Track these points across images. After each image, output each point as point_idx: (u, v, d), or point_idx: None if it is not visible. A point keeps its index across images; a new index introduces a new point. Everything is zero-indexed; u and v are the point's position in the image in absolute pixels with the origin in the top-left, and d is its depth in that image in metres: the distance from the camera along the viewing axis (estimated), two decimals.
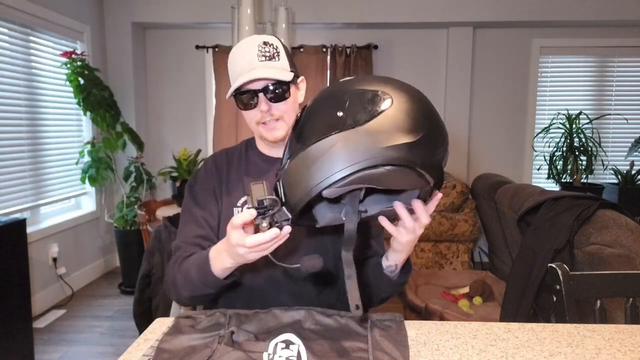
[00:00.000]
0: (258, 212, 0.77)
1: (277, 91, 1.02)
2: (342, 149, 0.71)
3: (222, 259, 0.89)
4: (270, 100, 1.02)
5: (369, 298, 1.09)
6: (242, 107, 1.05)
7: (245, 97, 1.03)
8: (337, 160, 0.71)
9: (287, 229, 0.78)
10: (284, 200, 0.77)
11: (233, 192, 1.11)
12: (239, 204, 1.10)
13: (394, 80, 0.80)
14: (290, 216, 0.77)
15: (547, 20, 3.77)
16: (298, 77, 1.09)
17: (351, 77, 0.82)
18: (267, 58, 1.01)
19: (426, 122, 0.76)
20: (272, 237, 0.77)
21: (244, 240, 0.78)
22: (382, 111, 0.73)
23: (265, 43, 1.02)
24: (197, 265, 0.96)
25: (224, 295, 1.11)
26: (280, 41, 1.07)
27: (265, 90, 1.01)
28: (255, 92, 1.02)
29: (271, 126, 1.05)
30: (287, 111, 1.05)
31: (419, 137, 0.73)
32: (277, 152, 1.14)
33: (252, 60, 1.01)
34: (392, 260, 0.96)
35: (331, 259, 1.09)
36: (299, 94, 1.11)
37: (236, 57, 1.03)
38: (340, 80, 0.82)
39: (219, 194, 1.12)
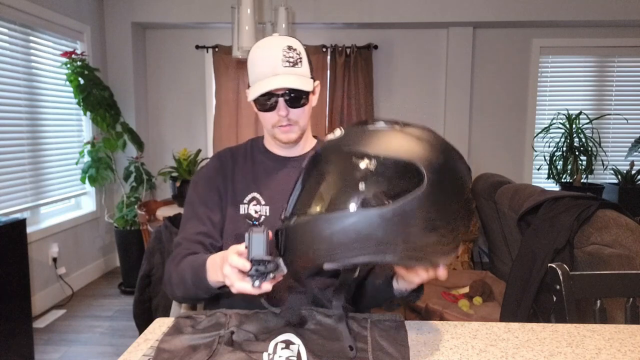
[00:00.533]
0: (252, 265, 0.75)
1: (296, 98, 1.04)
2: (358, 230, 0.65)
3: (216, 273, 0.90)
4: (289, 105, 1.04)
5: (373, 300, 1.09)
6: (259, 109, 1.06)
7: (264, 100, 1.04)
8: (350, 241, 0.66)
9: (280, 277, 0.78)
10: (282, 252, 0.74)
11: (239, 190, 1.12)
12: (245, 201, 1.11)
13: (428, 142, 0.71)
14: (285, 272, 0.76)
15: (547, 20, 3.77)
16: (315, 81, 1.11)
17: (382, 126, 0.73)
18: (291, 64, 1.02)
19: (457, 211, 0.69)
20: (261, 292, 0.78)
21: (234, 281, 0.79)
22: (411, 193, 0.66)
23: (289, 47, 1.03)
24: (193, 269, 0.97)
25: (225, 297, 1.11)
26: (301, 44, 1.08)
27: (285, 96, 1.03)
28: (275, 96, 1.03)
29: (286, 129, 1.07)
30: (304, 116, 1.08)
31: (445, 232, 0.68)
32: (286, 152, 1.15)
33: (277, 65, 1.02)
34: (402, 286, 0.98)
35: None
36: (314, 98, 1.13)
37: (259, 58, 1.04)
38: (369, 129, 0.73)
39: (224, 192, 1.13)
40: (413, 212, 0.66)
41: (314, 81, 1.10)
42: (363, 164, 0.67)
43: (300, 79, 1.02)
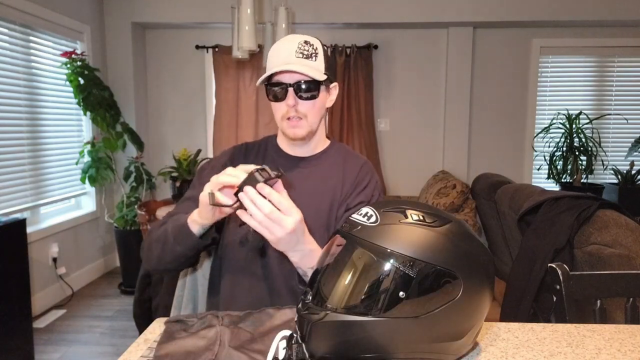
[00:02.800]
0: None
1: (306, 89, 1.04)
2: (391, 336, 0.67)
3: (193, 214, 0.96)
4: (298, 96, 1.05)
5: None
6: (271, 99, 1.08)
7: (275, 90, 1.06)
8: (381, 346, 0.68)
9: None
10: (306, 338, 0.72)
11: None
12: None
13: (463, 243, 0.72)
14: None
15: (547, 20, 3.77)
16: (332, 82, 1.11)
17: (418, 222, 0.71)
18: (304, 56, 1.04)
19: (484, 311, 0.74)
20: (233, 182, 0.85)
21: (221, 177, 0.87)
22: (446, 303, 0.68)
23: (306, 42, 1.05)
24: (174, 221, 1.00)
25: (223, 292, 1.11)
26: (322, 44, 1.09)
27: (295, 85, 1.04)
28: (286, 86, 1.04)
29: (294, 123, 1.07)
30: (312, 111, 1.08)
31: (470, 334, 0.73)
32: (296, 151, 1.16)
33: (290, 55, 1.03)
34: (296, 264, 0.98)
35: None
36: (328, 99, 1.13)
37: (275, 51, 1.06)
38: (406, 225, 0.71)
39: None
40: (447, 323, 0.69)
41: (331, 82, 1.10)
42: (404, 269, 0.67)
43: (311, 69, 1.03)
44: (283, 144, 1.17)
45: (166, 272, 1.13)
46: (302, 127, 1.08)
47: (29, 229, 2.52)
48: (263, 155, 1.17)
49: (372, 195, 1.14)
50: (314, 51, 1.05)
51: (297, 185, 1.10)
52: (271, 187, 0.85)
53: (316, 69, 1.04)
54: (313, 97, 1.06)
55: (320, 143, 1.18)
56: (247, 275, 1.09)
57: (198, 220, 0.95)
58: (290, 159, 1.15)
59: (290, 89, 1.04)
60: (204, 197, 0.89)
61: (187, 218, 0.97)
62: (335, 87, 1.14)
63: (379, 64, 4.06)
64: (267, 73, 1.03)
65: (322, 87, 1.07)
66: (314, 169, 1.14)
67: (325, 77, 1.06)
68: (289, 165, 1.13)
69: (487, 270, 0.75)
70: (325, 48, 1.10)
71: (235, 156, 1.17)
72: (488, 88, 4.08)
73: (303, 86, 1.03)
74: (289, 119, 1.07)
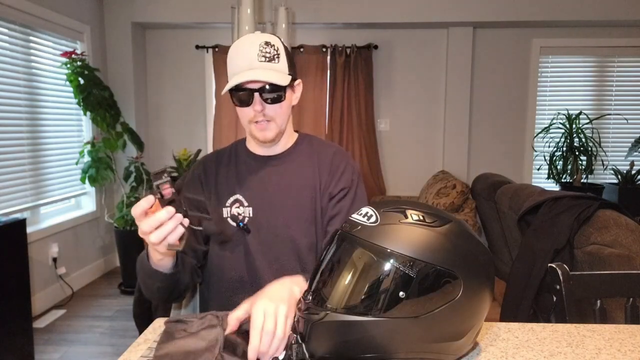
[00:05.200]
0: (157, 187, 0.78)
1: (272, 93, 1.03)
2: (391, 336, 0.67)
3: (152, 251, 0.93)
4: (265, 101, 1.03)
5: None
6: (237, 104, 1.06)
7: (241, 95, 1.04)
8: (382, 345, 0.67)
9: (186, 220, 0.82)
10: (306, 339, 0.71)
11: (222, 193, 1.12)
12: (227, 204, 1.11)
13: (463, 244, 0.72)
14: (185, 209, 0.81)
15: (547, 20, 3.77)
16: (295, 80, 1.10)
17: (418, 222, 0.71)
18: (267, 59, 1.02)
19: (484, 311, 0.74)
20: (166, 217, 0.79)
21: (140, 226, 0.80)
22: (446, 303, 0.68)
23: (267, 43, 1.03)
24: (140, 260, 0.99)
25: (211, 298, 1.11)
26: (282, 42, 1.08)
27: (261, 90, 1.02)
28: (251, 91, 1.02)
29: (262, 126, 1.06)
30: (280, 114, 1.07)
31: (470, 334, 0.72)
32: (267, 151, 1.15)
33: (252, 59, 1.01)
34: None
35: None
36: (293, 97, 1.12)
37: (236, 54, 1.04)
38: (405, 225, 0.71)
39: (207, 197, 1.13)
40: (447, 323, 0.69)
41: (295, 80, 1.09)
42: (404, 269, 0.67)
43: (276, 73, 1.02)
44: (252, 146, 1.17)
45: (173, 301, 1.12)
46: (271, 130, 1.07)
47: (29, 229, 2.52)
48: (235, 159, 1.17)
49: (351, 180, 1.14)
50: (275, 52, 1.03)
51: (273, 183, 1.10)
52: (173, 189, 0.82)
53: (280, 72, 1.03)
54: (279, 100, 1.04)
55: (289, 139, 1.17)
56: (239, 296, 1.09)
57: (160, 258, 0.93)
58: (262, 160, 1.15)
59: (256, 94, 1.02)
60: (166, 252, 0.86)
61: (151, 259, 0.95)
62: (299, 84, 1.13)
63: (379, 64, 4.06)
64: (232, 83, 1.00)
65: (287, 88, 1.06)
66: (288, 165, 1.14)
67: (289, 78, 1.05)
68: (260, 166, 1.13)
69: (487, 270, 0.74)
70: (285, 45, 1.08)
71: (207, 166, 1.17)
72: (488, 88, 4.08)
73: (268, 90, 1.02)
74: (256, 122, 1.06)
